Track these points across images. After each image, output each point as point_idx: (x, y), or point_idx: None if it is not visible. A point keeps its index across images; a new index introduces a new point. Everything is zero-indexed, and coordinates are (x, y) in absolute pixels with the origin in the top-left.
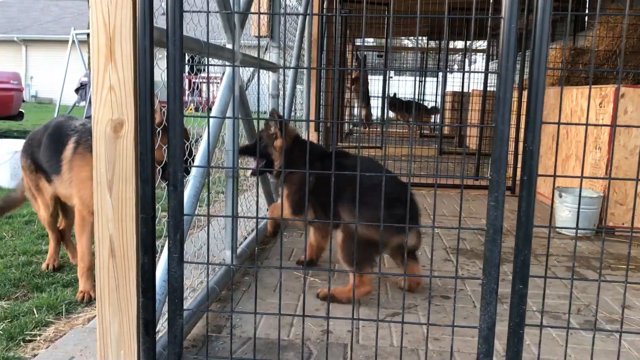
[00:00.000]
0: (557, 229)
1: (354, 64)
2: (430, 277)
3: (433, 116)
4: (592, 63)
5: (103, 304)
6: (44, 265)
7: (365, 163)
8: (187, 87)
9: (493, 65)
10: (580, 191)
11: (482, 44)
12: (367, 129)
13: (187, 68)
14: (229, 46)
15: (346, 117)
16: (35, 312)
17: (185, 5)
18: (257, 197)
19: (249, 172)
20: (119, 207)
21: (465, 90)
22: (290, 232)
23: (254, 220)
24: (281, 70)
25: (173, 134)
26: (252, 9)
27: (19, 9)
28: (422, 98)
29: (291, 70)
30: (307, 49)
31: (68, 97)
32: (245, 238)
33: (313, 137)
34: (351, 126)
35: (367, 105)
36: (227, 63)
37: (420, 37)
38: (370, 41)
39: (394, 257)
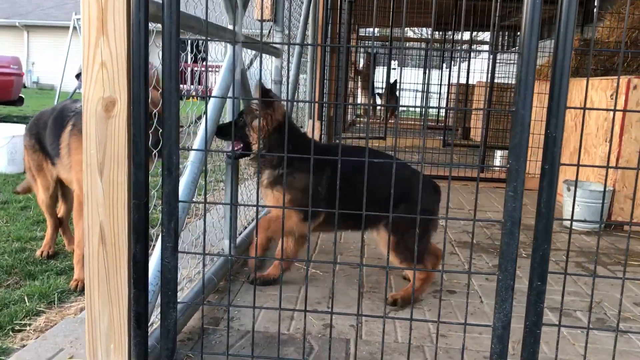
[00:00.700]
0: (565, 224)
1: (358, 54)
2: (442, 271)
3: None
4: (623, 44)
5: (92, 295)
6: (38, 252)
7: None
8: (189, 75)
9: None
10: (606, 185)
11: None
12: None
13: (189, 56)
14: (231, 27)
15: (349, 107)
16: (27, 301)
17: None
18: (258, 185)
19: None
20: (110, 192)
21: (470, 82)
22: None
23: (254, 209)
24: (284, 55)
25: (168, 114)
26: None
27: None
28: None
29: (295, 55)
30: (312, 35)
31: (69, 83)
32: (245, 227)
33: (316, 126)
34: (354, 116)
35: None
36: (228, 46)
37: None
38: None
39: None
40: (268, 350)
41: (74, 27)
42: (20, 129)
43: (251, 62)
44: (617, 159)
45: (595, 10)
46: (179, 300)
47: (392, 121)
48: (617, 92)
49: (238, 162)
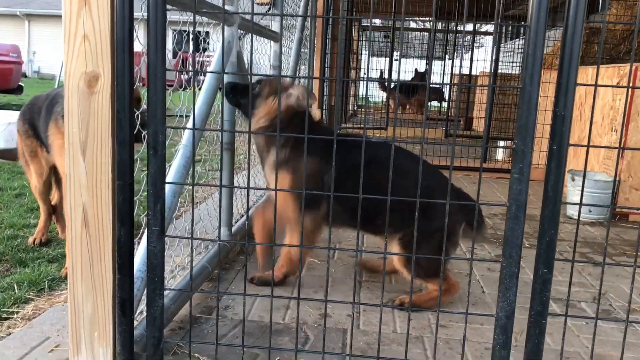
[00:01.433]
0: (569, 214)
1: (360, 43)
2: (443, 258)
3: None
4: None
5: (75, 281)
6: (30, 240)
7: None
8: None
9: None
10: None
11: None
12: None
13: (191, 46)
14: (228, 7)
15: (351, 97)
16: (16, 288)
17: None
18: (249, 164)
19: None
20: (94, 172)
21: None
22: None
23: (254, 196)
24: (282, 40)
25: (154, 90)
26: None
27: None
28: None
29: (295, 42)
30: (311, 25)
31: None
32: (242, 216)
33: (317, 114)
34: (355, 107)
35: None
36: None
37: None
38: (377, 22)
39: None
40: (262, 340)
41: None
42: (16, 116)
43: (240, 38)
44: (622, 151)
45: None
46: (169, 288)
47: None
48: (630, 75)
49: (234, 148)
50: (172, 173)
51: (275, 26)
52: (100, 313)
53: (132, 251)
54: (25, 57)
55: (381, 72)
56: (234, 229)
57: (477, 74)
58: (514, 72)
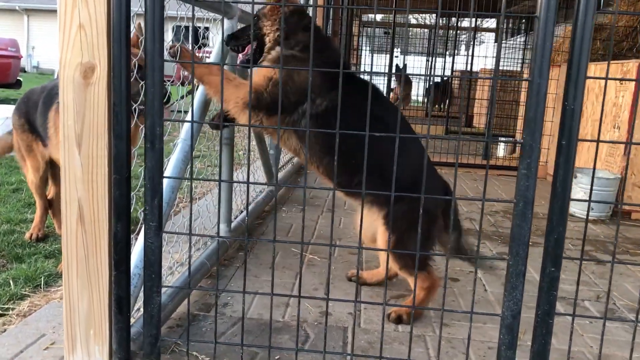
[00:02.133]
0: (570, 211)
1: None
2: (447, 256)
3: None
4: None
5: (71, 277)
6: (27, 235)
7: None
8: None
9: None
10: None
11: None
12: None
13: (190, 39)
14: None
15: None
16: (12, 284)
17: None
18: (249, 159)
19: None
20: (89, 166)
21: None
22: (290, 206)
23: (254, 192)
24: None
25: (151, 82)
26: None
27: None
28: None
29: None
30: (312, 16)
31: None
32: (242, 212)
33: None
34: None
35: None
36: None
37: (428, 15)
38: (377, 17)
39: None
40: (261, 338)
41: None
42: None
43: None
44: (626, 146)
45: None
46: (167, 285)
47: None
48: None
49: (233, 143)
50: (170, 167)
51: None
52: (96, 310)
53: (129, 247)
54: (24, 52)
55: (397, 66)
56: (233, 224)
57: (478, 70)
58: (516, 69)
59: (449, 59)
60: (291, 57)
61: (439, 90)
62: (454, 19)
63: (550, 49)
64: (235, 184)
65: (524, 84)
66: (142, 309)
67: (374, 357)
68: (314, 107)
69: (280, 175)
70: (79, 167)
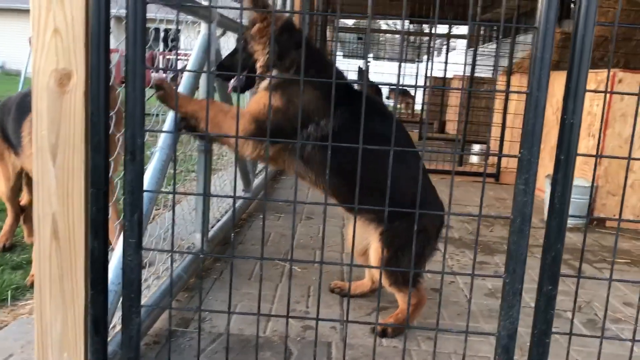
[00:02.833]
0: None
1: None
2: (442, 273)
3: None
4: None
5: (43, 297)
6: None
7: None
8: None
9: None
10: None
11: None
12: None
13: (161, 45)
14: (204, 2)
15: None
16: None
17: None
18: (235, 171)
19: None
20: (65, 179)
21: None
22: (267, 214)
23: (228, 201)
24: None
25: (132, 89)
26: None
27: None
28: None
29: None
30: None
31: None
32: (218, 220)
33: None
34: None
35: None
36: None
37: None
38: (350, 23)
39: None
40: (243, 355)
41: None
42: None
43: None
44: (601, 154)
45: None
46: (143, 303)
47: None
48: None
49: (212, 150)
50: (147, 178)
51: None
52: (71, 332)
53: (107, 265)
54: None
55: (359, 69)
56: (210, 234)
57: (451, 76)
58: (487, 76)
59: (419, 65)
60: (289, 81)
61: (407, 96)
62: (426, 26)
63: (550, 61)
64: (212, 190)
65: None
66: (117, 327)
67: None
68: (319, 129)
69: (257, 182)
70: (53, 180)
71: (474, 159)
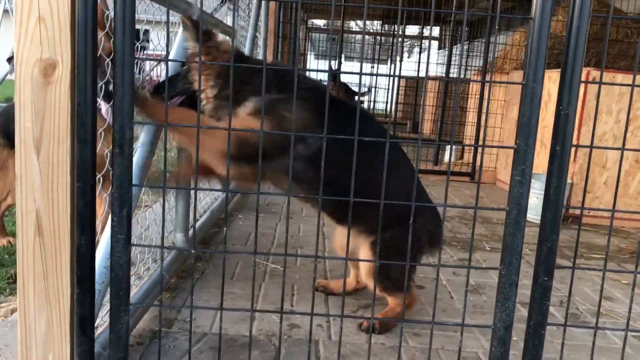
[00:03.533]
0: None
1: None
2: (438, 266)
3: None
4: None
5: (27, 296)
6: None
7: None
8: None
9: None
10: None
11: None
12: None
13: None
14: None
15: None
16: None
17: None
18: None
19: None
20: (49, 173)
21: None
22: (246, 213)
23: (210, 198)
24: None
25: (120, 80)
26: None
27: None
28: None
29: (248, 39)
30: (264, 28)
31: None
32: (197, 220)
33: None
34: None
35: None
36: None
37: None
38: (321, 23)
39: None
40: (229, 355)
41: (5, 10)
42: None
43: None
44: (576, 152)
45: None
46: (136, 304)
47: None
48: (636, 70)
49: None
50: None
51: (230, 21)
52: (56, 332)
53: (94, 262)
54: None
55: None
56: (190, 233)
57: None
58: (461, 76)
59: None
60: (274, 101)
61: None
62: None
63: (546, 52)
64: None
65: (472, 91)
66: (99, 326)
67: None
68: (307, 148)
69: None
70: (37, 174)
71: (447, 158)
